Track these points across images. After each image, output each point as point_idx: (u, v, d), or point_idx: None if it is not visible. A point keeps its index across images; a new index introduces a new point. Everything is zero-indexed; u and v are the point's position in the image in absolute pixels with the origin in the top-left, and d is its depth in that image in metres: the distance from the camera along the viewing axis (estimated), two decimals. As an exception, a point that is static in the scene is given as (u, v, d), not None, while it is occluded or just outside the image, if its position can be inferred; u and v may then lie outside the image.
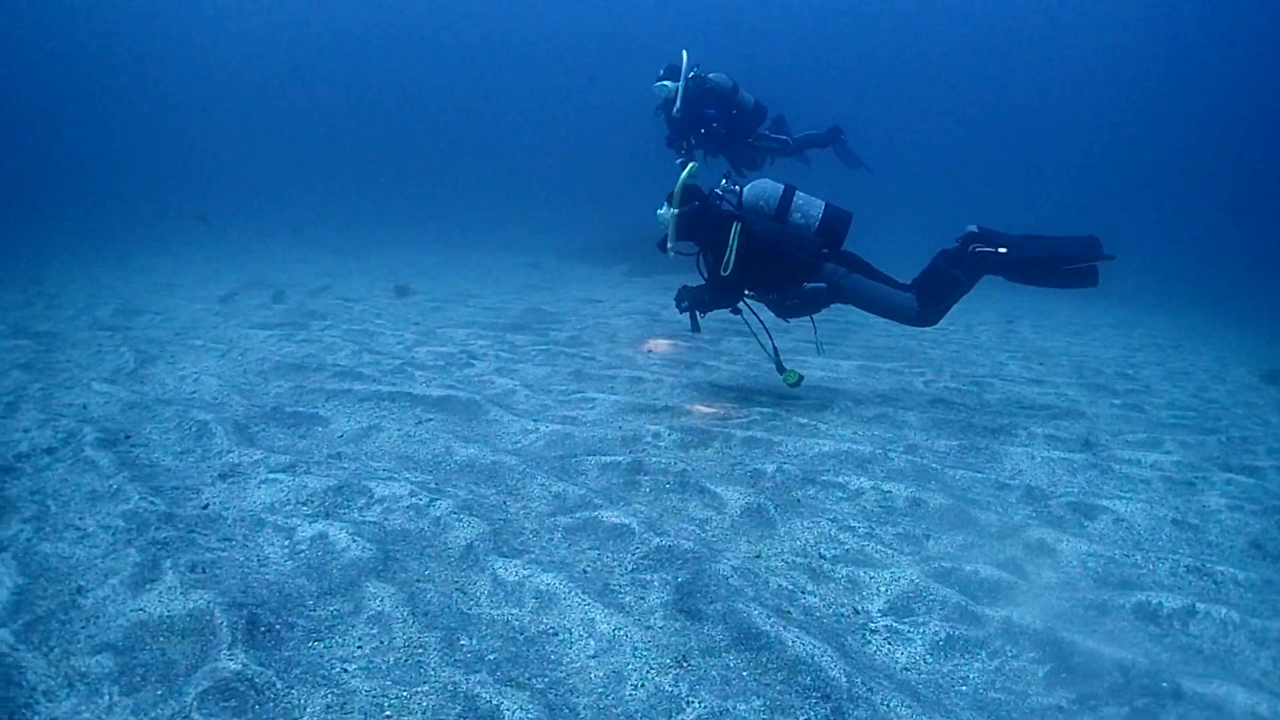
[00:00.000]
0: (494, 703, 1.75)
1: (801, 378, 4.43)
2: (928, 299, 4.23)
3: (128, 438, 3.67)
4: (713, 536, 2.69)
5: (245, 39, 43.04)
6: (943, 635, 2.15)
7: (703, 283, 4.45)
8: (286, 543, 2.59)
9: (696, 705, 1.81)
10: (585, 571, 2.42)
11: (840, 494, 3.02)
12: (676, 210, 4.26)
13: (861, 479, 3.11)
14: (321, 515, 2.80)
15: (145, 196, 22.51)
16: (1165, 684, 1.92)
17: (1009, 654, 2.08)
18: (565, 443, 3.55)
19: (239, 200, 23.56)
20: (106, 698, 1.80)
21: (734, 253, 4.11)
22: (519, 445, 3.55)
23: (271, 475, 3.16)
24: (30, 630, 2.03)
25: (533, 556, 2.48)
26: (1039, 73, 40.46)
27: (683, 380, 4.81)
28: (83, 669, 1.89)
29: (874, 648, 2.11)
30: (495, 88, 47.99)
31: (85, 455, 3.39)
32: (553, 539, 2.65)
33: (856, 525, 2.77)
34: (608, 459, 3.31)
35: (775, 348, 4.55)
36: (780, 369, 4.46)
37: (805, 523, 2.78)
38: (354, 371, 4.75)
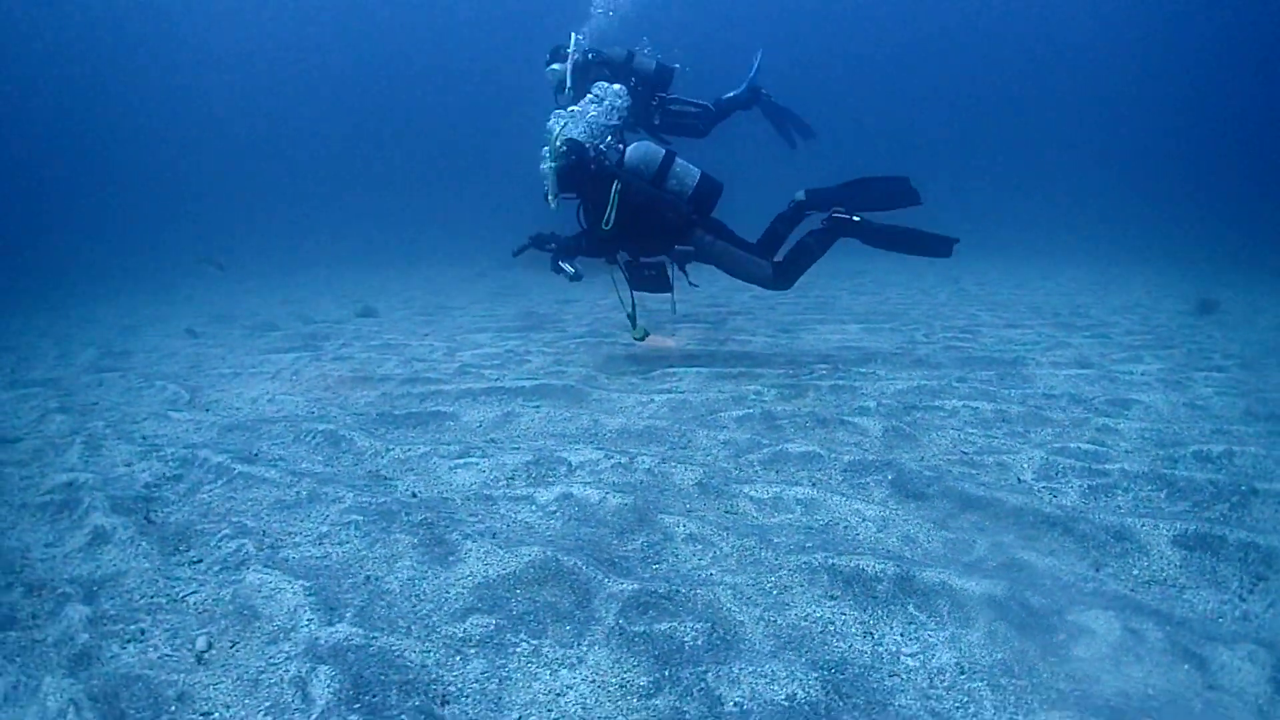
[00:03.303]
0: (853, 564, 2.33)
1: (647, 334, 5.03)
2: (783, 267, 4.67)
3: (256, 455, 3.82)
4: (879, 450, 3.38)
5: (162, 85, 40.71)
6: (1085, 485, 2.95)
7: (575, 232, 4.82)
8: (533, 507, 2.93)
9: (981, 541, 2.50)
10: (814, 482, 3.05)
11: (941, 413, 3.81)
12: (553, 164, 4.57)
13: (952, 401, 3.93)
14: (542, 483, 3.18)
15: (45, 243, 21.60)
16: (1244, 488, 2.81)
17: (1135, 489, 2.91)
18: (685, 408, 4.11)
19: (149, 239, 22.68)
20: (522, 645, 2.01)
21: (614, 209, 4.49)
22: (650, 413, 4.07)
23: (459, 462, 3.48)
24: (365, 620, 2.14)
25: (763, 481, 3.06)
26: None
27: (727, 354, 5.49)
28: (460, 634, 2.07)
29: (1045, 500, 2.88)
30: (401, 105, 46.94)
31: (237, 471, 3.47)
32: (756, 470, 3.24)
33: (973, 431, 3.56)
34: (738, 413, 3.92)
35: (634, 304, 4.99)
36: (633, 324, 4.97)
37: (934, 435, 3.54)
38: (422, 377, 5.05)
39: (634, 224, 4.56)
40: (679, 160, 4.69)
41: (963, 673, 1.88)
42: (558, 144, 4.57)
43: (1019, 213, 22.34)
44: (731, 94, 7.28)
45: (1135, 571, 2.34)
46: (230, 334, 7.47)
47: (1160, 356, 5.04)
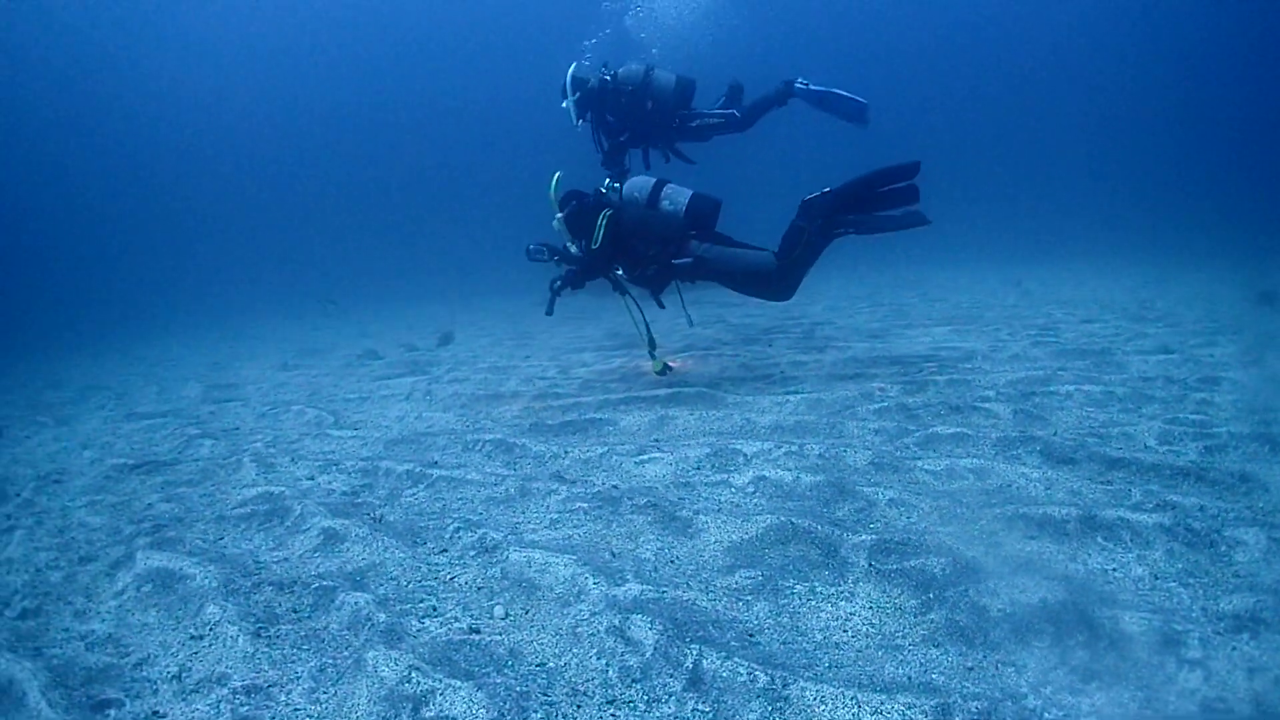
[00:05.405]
0: (1040, 512, 3.02)
1: (668, 366, 5.67)
2: (782, 252, 5.15)
3: (437, 463, 4.47)
4: (1017, 428, 4.11)
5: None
6: (1202, 446, 3.68)
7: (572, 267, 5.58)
8: (732, 489, 3.58)
9: (1135, 490, 3.23)
10: (970, 454, 3.78)
11: (1058, 397, 4.56)
12: (561, 215, 5.37)
13: (1064, 387, 4.68)
14: (728, 470, 3.86)
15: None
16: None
17: (1244, 447, 3.63)
18: (821, 405, 4.83)
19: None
20: (796, 588, 2.60)
21: (603, 231, 5.29)
22: (791, 411, 4.77)
23: (642, 458, 4.15)
24: (646, 580, 2.68)
25: (929, 458, 3.79)
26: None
27: (833, 359, 6.23)
28: (735, 585, 2.67)
29: (1173, 458, 3.61)
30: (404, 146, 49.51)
31: (435, 476, 4.10)
32: (915, 451, 3.97)
33: (1091, 410, 4.32)
34: (873, 407, 4.65)
35: (651, 338, 5.70)
36: (652, 355, 5.64)
37: (1059, 414, 4.28)
38: (552, 392, 5.75)
39: (629, 241, 5.33)
40: (670, 185, 5.34)
41: (1157, 579, 2.61)
42: (554, 200, 5.39)
43: (1062, 214, 23.66)
44: (762, 94, 7.25)
45: (1262, 504, 3.09)
46: (330, 364, 8.16)
47: (1233, 341, 5.84)
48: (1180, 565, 2.66)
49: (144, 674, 2.47)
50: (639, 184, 5.38)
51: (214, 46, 42.95)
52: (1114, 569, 2.67)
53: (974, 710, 1.94)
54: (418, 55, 48.34)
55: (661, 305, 5.64)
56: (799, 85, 7.10)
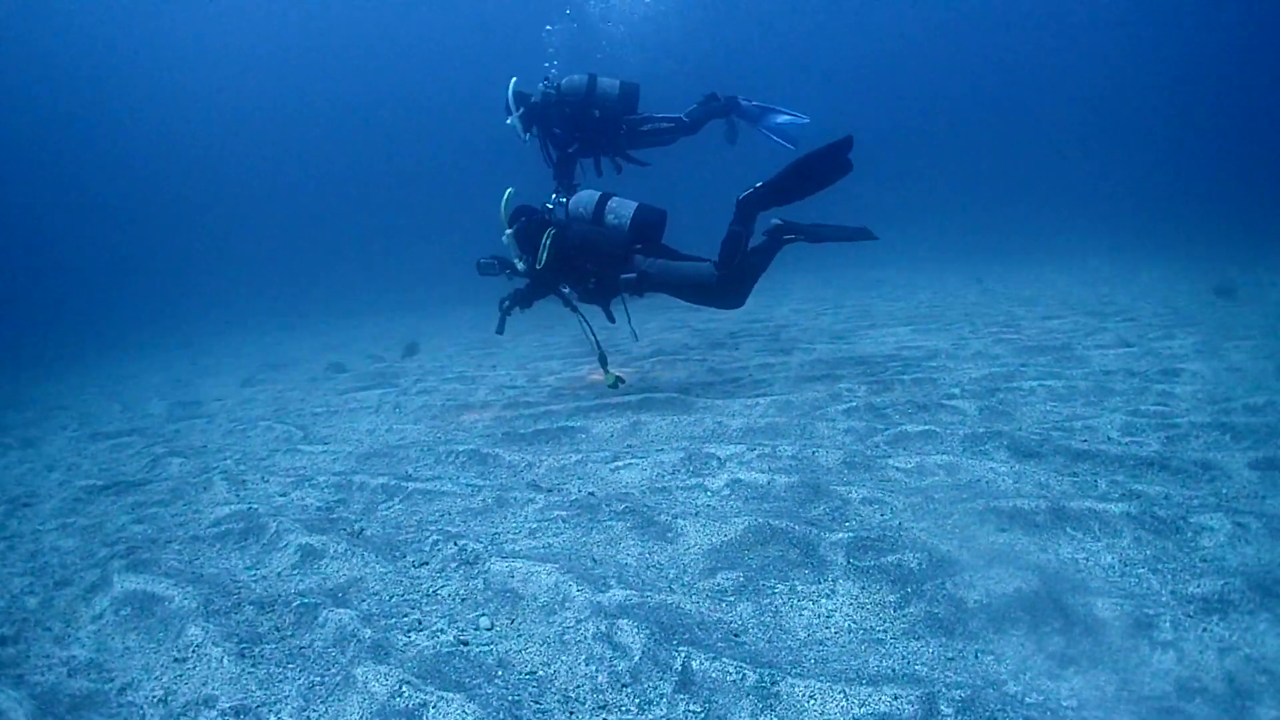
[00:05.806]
0: (1010, 505, 3.09)
1: (620, 380, 5.67)
2: (722, 261, 5.10)
3: (411, 475, 4.46)
4: (984, 424, 4.20)
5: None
6: (1164, 436, 3.82)
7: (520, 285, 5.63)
8: (708, 493, 3.61)
9: (1101, 482, 3.34)
10: (939, 450, 3.86)
11: (1022, 392, 4.68)
12: (510, 231, 5.41)
13: (1026, 383, 4.80)
14: (703, 474, 3.89)
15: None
16: (1289, 431, 3.74)
17: (1204, 435, 3.77)
18: (791, 407, 4.90)
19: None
20: (777, 588, 2.65)
21: (547, 250, 5.24)
22: (762, 413, 4.82)
23: (617, 464, 4.18)
24: (629, 585, 2.70)
25: (899, 455, 3.87)
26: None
27: (799, 361, 6.33)
28: (717, 587, 2.69)
29: (1137, 449, 3.75)
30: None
31: (410, 489, 4.07)
32: (885, 449, 4.05)
33: (1055, 404, 4.44)
34: (841, 407, 4.73)
35: (602, 352, 5.62)
36: (604, 369, 5.65)
37: (1024, 409, 4.39)
38: (522, 401, 5.76)
39: (575, 258, 5.35)
40: (614, 198, 5.33)
41: (1126, 566, 2.70)
42: (505, 215, 5.42)
43: (1020, 211, 24.27)
44: (709, 105, 7.13)
45: (1225, 490, 3.21)
46: (295, 378, 8.08)
47: (1190, 333, 6.05)
48: (1148, 552, 2.75)
49: (129, 699, 2.44)
50: (584, 199, 5.36)
51: (184, 58, 42.63)
52: (1084, 558, 2.76)
53: (958, 699, 2.00)
54: (391, 65, 48.26)
55: (611, 320, 5.66)
56: (743, 102, 7.14)
